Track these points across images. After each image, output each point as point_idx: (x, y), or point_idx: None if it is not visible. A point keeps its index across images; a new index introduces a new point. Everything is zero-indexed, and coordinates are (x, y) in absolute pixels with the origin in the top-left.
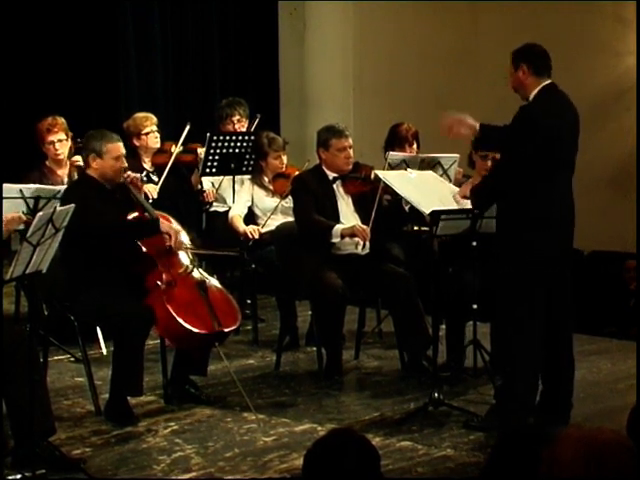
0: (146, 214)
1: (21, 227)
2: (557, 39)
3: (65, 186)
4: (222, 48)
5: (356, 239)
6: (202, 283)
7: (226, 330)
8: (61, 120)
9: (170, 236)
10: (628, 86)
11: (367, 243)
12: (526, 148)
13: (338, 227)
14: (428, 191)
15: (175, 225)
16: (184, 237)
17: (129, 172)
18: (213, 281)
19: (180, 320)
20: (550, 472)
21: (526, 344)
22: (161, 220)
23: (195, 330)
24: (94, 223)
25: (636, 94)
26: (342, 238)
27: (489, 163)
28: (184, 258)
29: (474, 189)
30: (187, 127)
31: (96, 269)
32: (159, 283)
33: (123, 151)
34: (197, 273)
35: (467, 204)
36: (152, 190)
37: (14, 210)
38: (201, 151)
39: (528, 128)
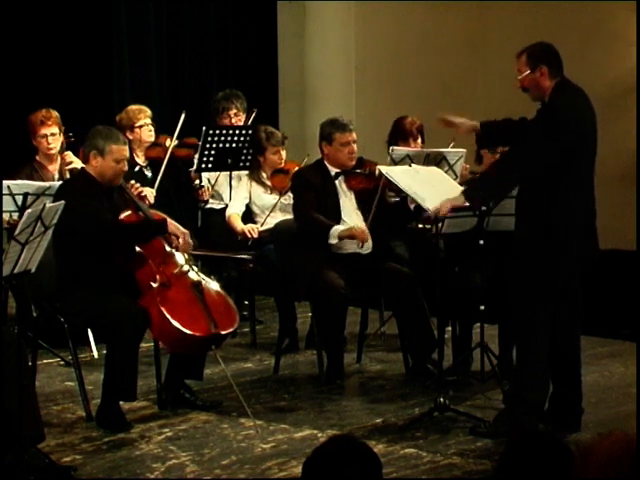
0: (140, 213)
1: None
2: (569, 28)
3: (55, 182)
4: (219, 39)
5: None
6: (198, 284)
7: (223, 333)
8: (55, 113)
9: (177, 237)
10: None
11: (370, 242)
12: (551, 144)
13: (336, 228)
14: (433, 188)
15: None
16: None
17: (137, 185)
18: (210, 282)
19: (174, 322)
20: (584, 468)
21: (538, 349)
22: (169, 221)
23: (190, 332)
24: (92, 223)
25: (636, 92)
26: (340, 240)
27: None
28: (179, 258)
29: (474, 183)
30: (182, 116)
31: (88, 268)
32: (152, 284)
33: (127, 154)
34: (193, 273)
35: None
36: (149, 194)
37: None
38: None
39: (553, 124)
